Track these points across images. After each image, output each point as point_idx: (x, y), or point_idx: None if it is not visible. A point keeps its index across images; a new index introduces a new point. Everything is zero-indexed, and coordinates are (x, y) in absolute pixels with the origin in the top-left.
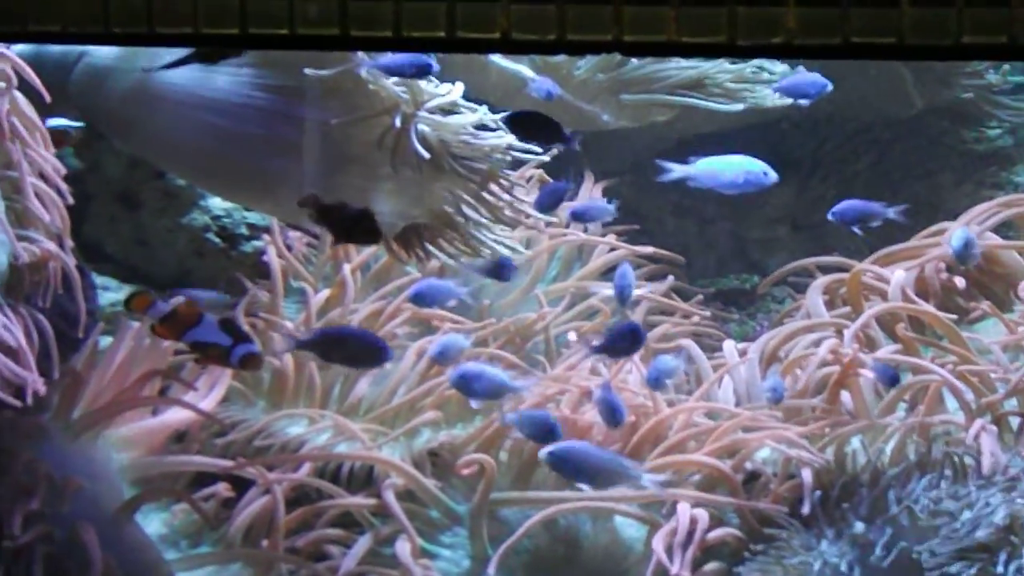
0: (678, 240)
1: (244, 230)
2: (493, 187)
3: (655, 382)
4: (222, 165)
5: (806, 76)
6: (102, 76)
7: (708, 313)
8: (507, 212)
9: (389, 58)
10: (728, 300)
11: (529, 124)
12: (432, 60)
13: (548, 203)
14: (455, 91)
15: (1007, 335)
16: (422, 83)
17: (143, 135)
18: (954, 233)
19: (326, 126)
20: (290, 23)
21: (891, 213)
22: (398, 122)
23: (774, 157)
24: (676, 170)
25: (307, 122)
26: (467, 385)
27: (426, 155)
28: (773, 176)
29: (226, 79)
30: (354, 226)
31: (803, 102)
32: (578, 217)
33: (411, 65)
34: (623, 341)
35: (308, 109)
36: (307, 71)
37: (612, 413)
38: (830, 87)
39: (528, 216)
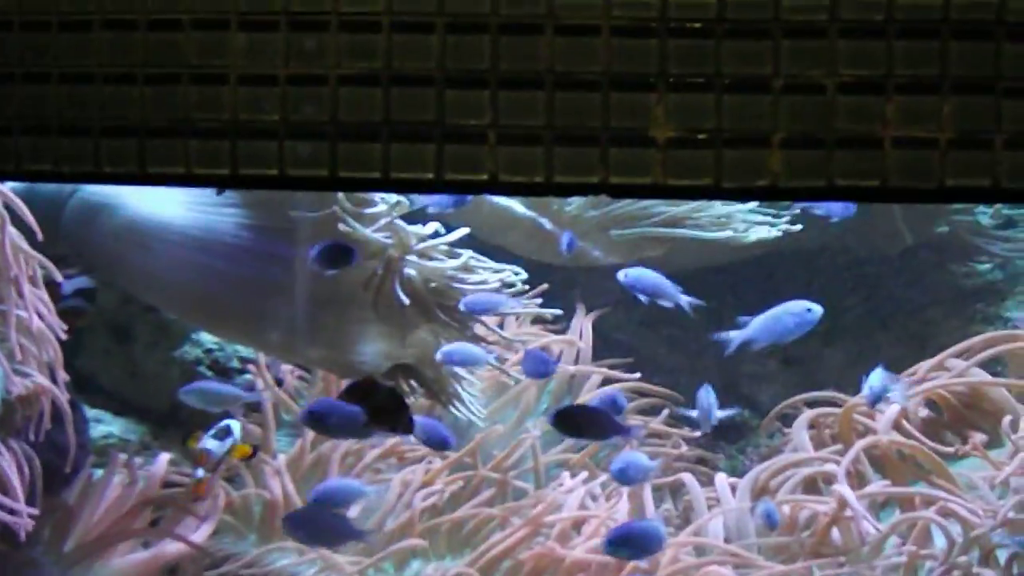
0: (670, 374)
1: (236, 363)
2: (479, 331)
3: (620, 474)
4: (211, 303)
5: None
6: (94, 212)
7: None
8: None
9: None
10: (717, 434)
11: (580, 420)
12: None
13: (534, 371)
14: (449, 236)
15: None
16: (412, 227)
17: (133, 272)
18: (873, 375)
19: (315, 268)
20: (280, 164)
21: (682, 300)
22: (380, 269)
23: (764, 291)
24: (735, 337)
25: (296, 263)
26: None
27: (406, 301)
28: (817, 309)
29: (216, 219)
30: (384, 408)
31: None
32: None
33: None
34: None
35: (297, 250)
36: (292, 213)
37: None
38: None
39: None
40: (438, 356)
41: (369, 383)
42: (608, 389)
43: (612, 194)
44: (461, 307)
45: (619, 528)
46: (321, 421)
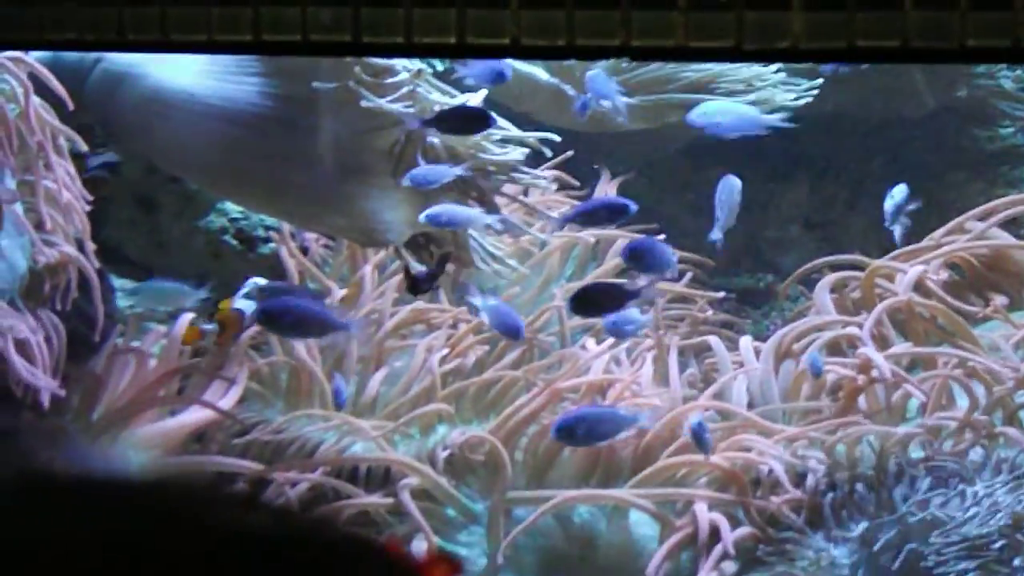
0: (692, 239)
1: (261, 232)
2: (500, 200)
3: (612, 326)
4: (234, 173)
5: None
6: (117, 82)
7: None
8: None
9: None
10: (742, 299)
11: (455, 117)
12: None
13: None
14: (472, 101)
15: (1016, 332)
16: (435, 95)
17: (156, 142)
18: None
19: (338, 136)
20: (303, 29)
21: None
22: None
23: (787, 156)
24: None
25: (318, 131)
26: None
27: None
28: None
29: (238, 88)
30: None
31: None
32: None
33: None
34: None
35: (319, 119)
36: (315, 84)
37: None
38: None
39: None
40: (421, 217)
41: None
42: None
43: (634, 57)
44: (406, 181)
45: (568, 415)
46: (275, 321)
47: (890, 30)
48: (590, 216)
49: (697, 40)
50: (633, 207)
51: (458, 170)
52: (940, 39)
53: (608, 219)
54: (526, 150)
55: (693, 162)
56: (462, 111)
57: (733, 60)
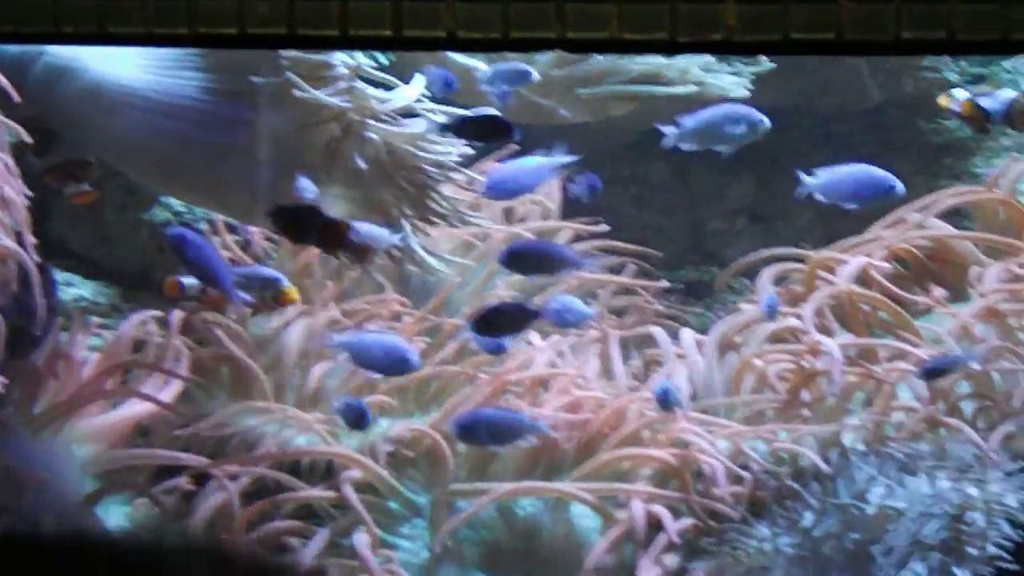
0: (638, 232)
1: (204, 225)
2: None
3: (555, 315)
4: (173, 167)
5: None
6: (58, 75)
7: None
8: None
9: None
10: (687, 292)
11: (481, 126)
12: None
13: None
14: (406, 94)
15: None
16: (371, 89)
17: (97, 135)
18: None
19: (276, 131)
20: (239, 22)
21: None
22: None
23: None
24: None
25: (258, 127)
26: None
27: (363, 166)
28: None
29: (179, 83)
30: (309, 227)
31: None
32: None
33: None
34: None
35: (259, 114)
36: (253, 79)
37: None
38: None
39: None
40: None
41: (305, 208)
42: (583, 247)
43: (569, 49)
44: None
45: (466, 415)
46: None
47: (825, 22)
48: (471, 128)
49: (631, 32)
50: (515, 131)
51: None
52: (875, 31)
53: (491, 133)
54: (463, 143)
55: (638, 156)
56: (484, 120)
57: (667, 52)
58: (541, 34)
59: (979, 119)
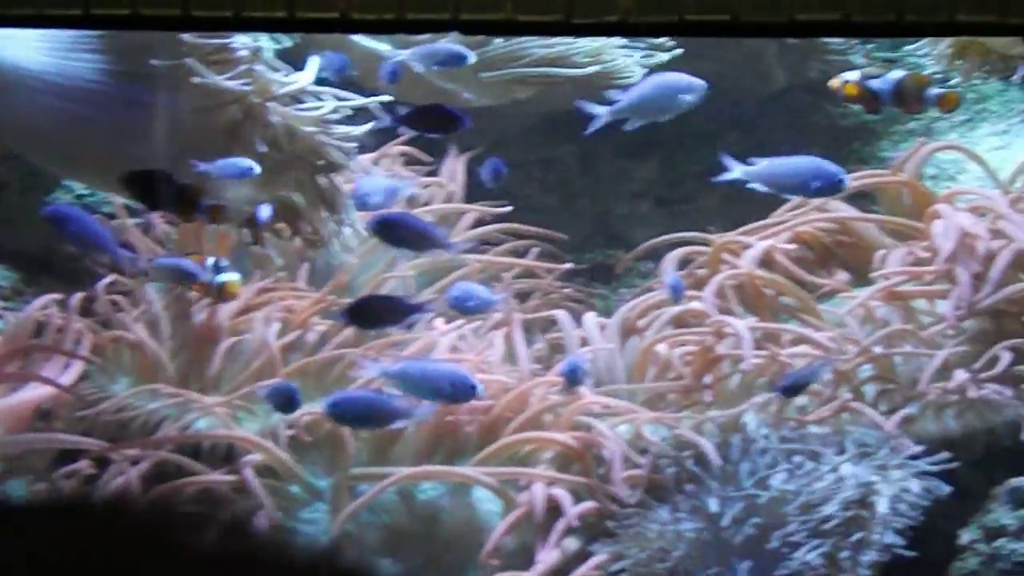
0: (543, 216)
1: (108, 208)
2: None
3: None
4: (71, 148)
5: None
6: None
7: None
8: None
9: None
10: (593, 275)
11: (430, 116)
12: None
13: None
14: (304, 78)
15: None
16: (271, 73)
17: None
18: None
19: (176, 113)
20: (132, 3)
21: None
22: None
23: (638, 132)
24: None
25: (157, 109)
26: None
27: (263, 148)
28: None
29: (76, 64)
30: (162, 192)
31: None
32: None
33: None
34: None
35: (158, 96)
36: (153, 61)
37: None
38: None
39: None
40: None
41: (158, 173)
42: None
43: (464, 31)
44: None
45: (339, 396)
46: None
47: (721, 4)
48: (421, 119)
49: (526, 14)
50: (466, 121)
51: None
52: (771, 13)
53: (440, 125)
54: (368, 126)
55: (544, 139)
56: (436, 111)
57: (562, 34)
58: (435, 16)
59: (869, 100)
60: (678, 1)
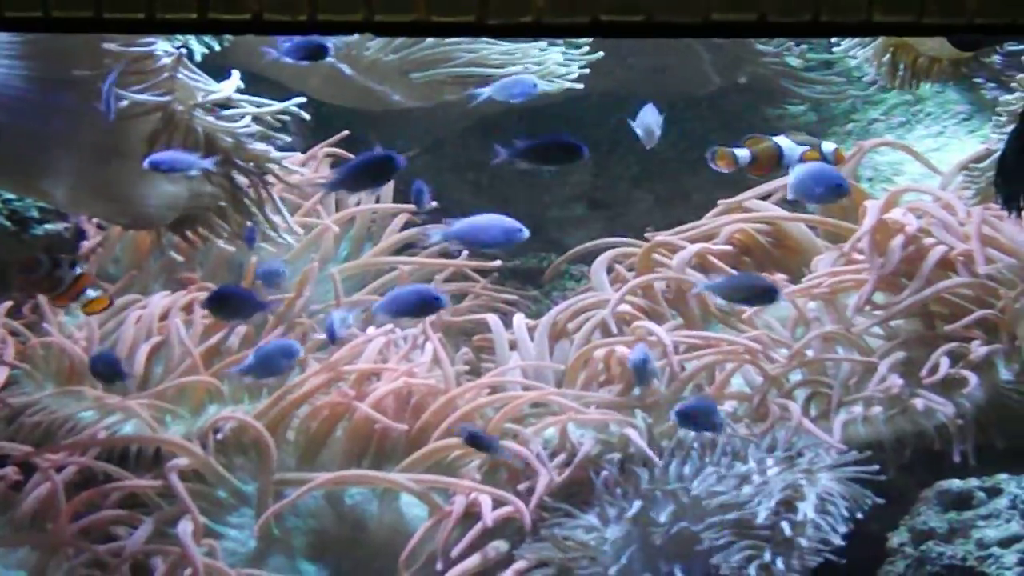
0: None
1: (35, 212)
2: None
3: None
4: None
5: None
6: None
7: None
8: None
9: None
10: (525, 278)
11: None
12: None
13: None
14: (227, 87)
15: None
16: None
17: None
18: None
19: (98, 120)
20: (44, 5)
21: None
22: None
23: (572, 135)
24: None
25: (78, 115)
26: None
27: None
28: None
29: (1, 72)
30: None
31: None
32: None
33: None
34: None
35: (79, 102)
36: (75, 72)
37: None
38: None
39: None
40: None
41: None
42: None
43: (377, 32)
44: (147, 164)
45: None
46: None
47: (633, 5)
48: (357, 177)
49: (439, 15)
50: (401, 161)
51: (206, 163)
52: (686, 13)
53: (377, 177)
54: (287, 139)
55: (478, 142)
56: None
57: (476, 35)
58: (348, 17)
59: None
60: (592, 1)
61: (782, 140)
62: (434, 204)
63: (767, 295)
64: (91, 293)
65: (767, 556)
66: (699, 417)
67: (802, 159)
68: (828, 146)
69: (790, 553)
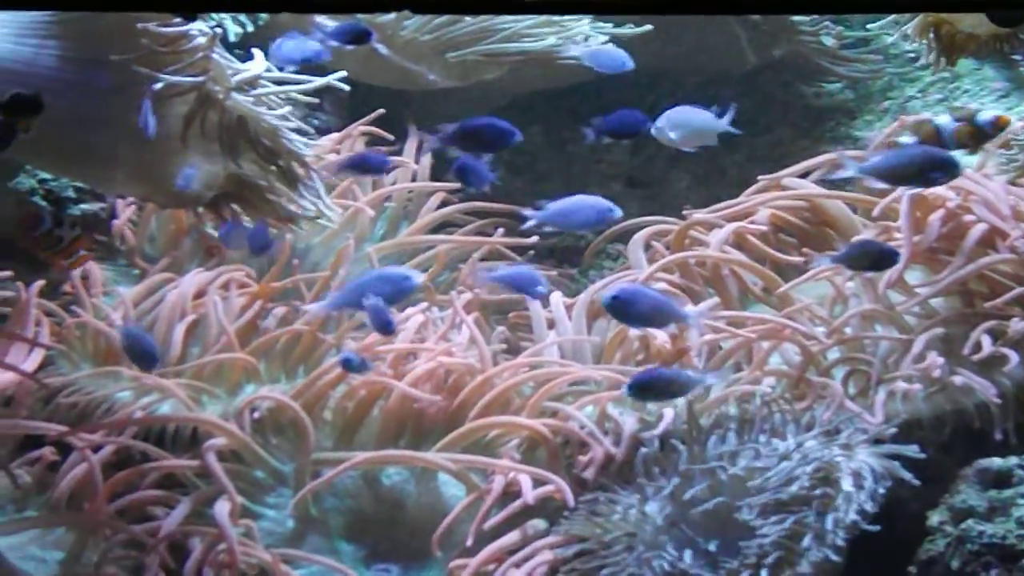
0: (511, 198)
1: (71, 192)
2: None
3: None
4: (32, 136)
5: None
6: None
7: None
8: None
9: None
10: (563, 257)
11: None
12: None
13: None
14: (254, 67)
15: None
16: (225, 61)
17: None
18: None
19: (134, 100)
20: None
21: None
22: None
23: (608, 113)
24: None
25: (116, 96)
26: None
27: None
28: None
29: (36, 52)
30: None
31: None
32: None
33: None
34: None
35: (117, 83)
36: (113, 57)
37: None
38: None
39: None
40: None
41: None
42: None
43: (416, 9)
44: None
45: None
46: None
47: None
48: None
49: None
50: (517, 134)
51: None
52: None
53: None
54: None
55: (513, 119)
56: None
57: (518, 12)
58: None
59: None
60: None
61: (941, 118)
62: (492, 178)
63: (889, 259)
64: (84, 254)
65: (805, 530)
66: (657, 388)
67: (955, 136)
68: (985, 116)
69: (826, 529)
